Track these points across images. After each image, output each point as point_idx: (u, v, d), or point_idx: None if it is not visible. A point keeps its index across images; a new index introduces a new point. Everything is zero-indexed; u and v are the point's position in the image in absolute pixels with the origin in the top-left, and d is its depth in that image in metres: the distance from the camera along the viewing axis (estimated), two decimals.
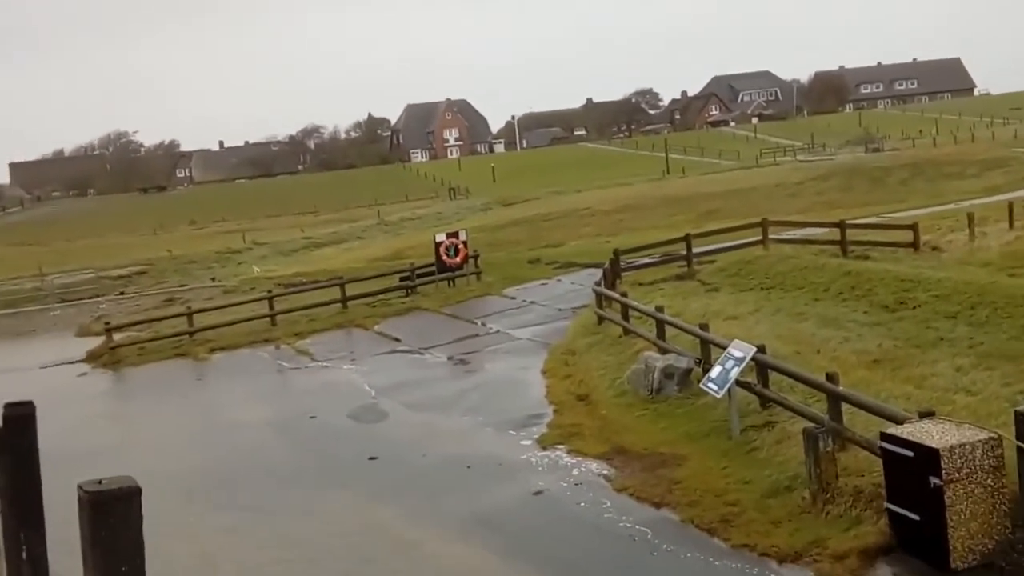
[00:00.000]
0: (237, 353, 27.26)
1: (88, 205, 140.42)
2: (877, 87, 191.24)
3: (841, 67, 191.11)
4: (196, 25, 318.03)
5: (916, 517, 9.19)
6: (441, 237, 33.82)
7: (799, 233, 31.27)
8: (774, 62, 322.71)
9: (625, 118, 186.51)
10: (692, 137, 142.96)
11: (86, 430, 19.38)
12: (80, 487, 3.67)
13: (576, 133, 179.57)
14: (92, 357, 28.67)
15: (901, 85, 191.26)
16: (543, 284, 31.65)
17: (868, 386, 13.11)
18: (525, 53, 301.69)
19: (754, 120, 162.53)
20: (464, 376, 21.30)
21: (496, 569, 10.88)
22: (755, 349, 13.51)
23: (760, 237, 28.89)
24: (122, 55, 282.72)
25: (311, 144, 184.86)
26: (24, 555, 4.32)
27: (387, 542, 12.05)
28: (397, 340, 25.87)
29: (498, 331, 25.17)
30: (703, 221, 43.83)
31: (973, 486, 8.97)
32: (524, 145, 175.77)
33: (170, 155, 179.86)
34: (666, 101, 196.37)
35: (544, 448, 14.82)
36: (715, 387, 13.61)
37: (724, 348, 14.13)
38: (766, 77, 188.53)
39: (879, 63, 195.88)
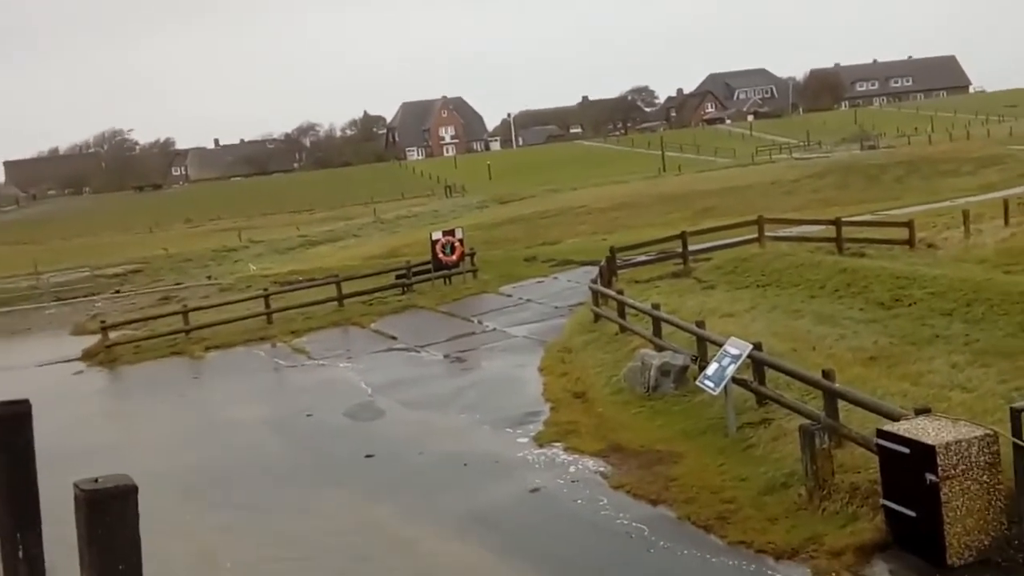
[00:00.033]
0: (233, 351, 27.23)
1: (83, 203, 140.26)
2: (873, 85, 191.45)
3: (837, 65, 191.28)
4: (191, 23, 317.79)
5: (912, 514, 9.20)
6: (437, 235, 33.82)
7: (795, 231, 31.27)
8: (770, 60, 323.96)
9: (621, 116, 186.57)
10: (688, 135, 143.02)
11: (82, 428, 19.36)
12: (76, 485, 3.67)
13: (572, 131, 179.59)
14: (88, 355, 28.64)
15: (897, 83, 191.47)
16: (539, 282, 31.64)
17: (864, 383, 13.11)
18: (521, 50, 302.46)
19: (750, 118, 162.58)
20: (461, 374, 21.29)
21: (493, 567, 10.88)
22: (751, 346, 13.52)
23: (756, 235, 28.90)
24: (117, 53, 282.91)
25: (307, 142, 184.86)
26: (20, 554, 4.32)
27: (383, 540, 12.05)
28: (393, 338, 25.86)
29: (494, 329, 25.17)
30: (699, 219, 43.85)
31: (969, 483, 8.98)
32: (520, 143, 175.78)
33: (165, 153, 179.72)
34: (662, 99, 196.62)
35: (541, 446, 14.82)
36: (711, 384, 13.62)
37: (720, 345, 14.13)
38: (762, 75, 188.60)
39: (875, 60, 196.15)
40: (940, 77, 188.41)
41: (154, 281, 50.20)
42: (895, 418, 10.00)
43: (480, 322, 26.44)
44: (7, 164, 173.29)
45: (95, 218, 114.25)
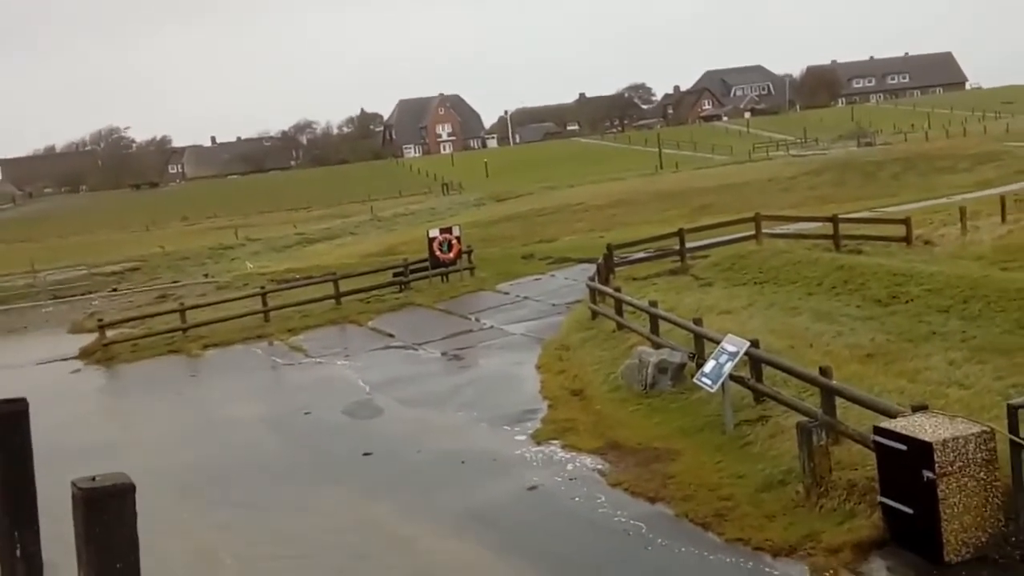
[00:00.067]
0: (231, 349, 27.22)
1: (80, 201, 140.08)
2: (869, 81, 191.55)
3: (833, 61, 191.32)
4: (187, 20, 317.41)
5: (909, 510, 9.21)
6: (435, 232, 33.84)
7: (792, 228, 31.29)
8: (767, 57, 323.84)
9: (618, 113, 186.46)
10: (685, 132, 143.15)
11: (79, 427, 19.34)
12: (74, 484, 3.66)
13: (569, 128, 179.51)
14: (85, 354, 28.62)
15: (893, 79, 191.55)
16: (536, 279, 31.64)
17: (861, 380, 13.12)
18: (518, 48, 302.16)
19: (747, 115, 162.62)
20: (458, 372, 21.29)
21: (490, 564, 10.89)
22: (748, 344, 13.53)
23: (753, 232, 28.92)
24: (112, 51, 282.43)
25: (304, 140, 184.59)
26: (18, 552, 4.31)
27: (381, 538, 12.05)
28: (391, 336, 25.85)
29: (492, 327, 25.16)
30: (696, 216, 43.87)
31: (966, 479, 8.99)
32: (517, 140, 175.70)
33: (162, 151, 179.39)
34: (659, 96, 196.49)
35: (538, 443, 14.82)
36: (709, 382, 13.62)
37: (718, 343, 14.15)
38: (758, 72, 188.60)
39: (871, 57, 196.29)
40: (937, 74, 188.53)
41: (151, 279, 50.20)
42: (892, 415, 10.01)
43: (477, 320, 26.44)
44: (3, 162, 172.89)
45: (92, 216, 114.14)
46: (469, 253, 33.82)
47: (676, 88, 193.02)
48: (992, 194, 36.13)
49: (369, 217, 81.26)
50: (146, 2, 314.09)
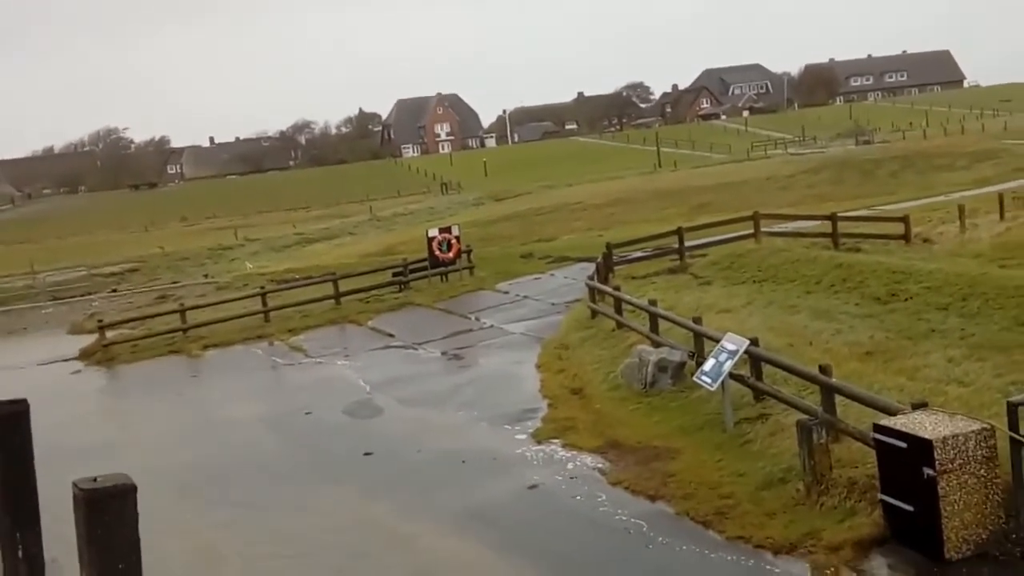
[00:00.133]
0: (231, 350, 27.22)
1: (79, 202, 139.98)
2: (867, 79, 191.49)
3: (831, 60, 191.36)
4: (186, 21, 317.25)
5: (910, 508, 9.22)
6: (434, 232, 33.83)
7: (791, 226, 31.31)
8: (765, 55, 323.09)
9: (616, 112, 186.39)
10: (683, 130, 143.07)
11: (80, 427, 19.34)
12: (75, 484, 3.66)
13: (567, 127, 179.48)
14: (85, 354, 28.61)
15: (891, 77, 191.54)
16: (536, 279, 31.63)
17: (861, 378, 13.13)
18: (516, 47, 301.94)
19: (745, 113, 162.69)
20: (458, 371, 21.29)
21: (491, 563, 10.89)
22: (748, 342, 13.53)
23: (752, 230, 28.94)
24: (112, 51, 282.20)
25: (302, 140, 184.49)
26: (20, 553, 4.31)
27: (381, 537, 12.05)
28: (391, 335, 25.85)
29: (491, 326, 25.16)
30: (695, 214, 43.87)
31: (966, 477, 9.00)
32: (515, 139, 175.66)
33: (160, 151, 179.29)
34: (657, 95, 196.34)
35: (538, 442, 14.82)
36: (708, 380, 13.62)
37: (717, 341, 14.15)
38: (757, 70, 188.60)
39: (869, 55, 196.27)
40: (935, 72, 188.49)
41: (151, 280, 50.19)
42: (892, 413, 10.01)
43: (477, 319, 26.44)
44: (2, 163, 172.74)
45: (91, 217, 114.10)
46: (468, 252, 33.82)
47: (674, 87, 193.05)
48: (990, 192, 36.15)
49: (368, 217, 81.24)
50: (146, 2, 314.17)
